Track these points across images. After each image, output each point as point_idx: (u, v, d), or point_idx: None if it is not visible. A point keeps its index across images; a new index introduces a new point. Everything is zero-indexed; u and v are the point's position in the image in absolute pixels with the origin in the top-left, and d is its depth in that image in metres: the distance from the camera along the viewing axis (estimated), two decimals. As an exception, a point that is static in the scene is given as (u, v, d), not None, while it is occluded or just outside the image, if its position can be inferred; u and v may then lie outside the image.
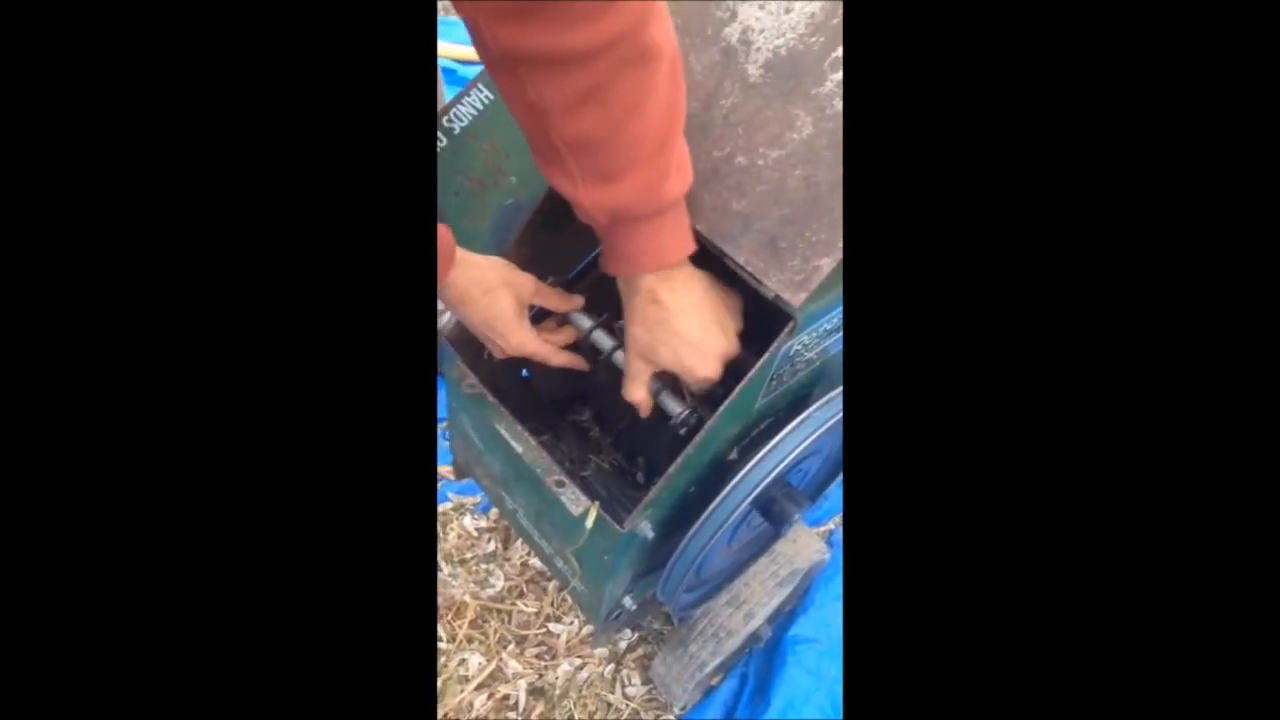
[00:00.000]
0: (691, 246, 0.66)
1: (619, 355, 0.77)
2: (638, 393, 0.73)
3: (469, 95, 0.82)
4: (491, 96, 0.84)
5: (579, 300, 0.80)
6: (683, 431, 0.75)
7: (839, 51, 0.66)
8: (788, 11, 0.69)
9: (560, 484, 0.75)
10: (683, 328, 0.67)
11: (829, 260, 0.64)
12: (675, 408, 0.75)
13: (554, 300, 0.78)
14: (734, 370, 0.71)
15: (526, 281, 0.74)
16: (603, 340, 0.78)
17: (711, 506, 0.74)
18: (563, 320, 0.81)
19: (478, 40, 0.54)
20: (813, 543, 1.15)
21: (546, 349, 0.76)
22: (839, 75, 0.66)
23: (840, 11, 0.67)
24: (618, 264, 0.66)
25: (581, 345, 0.81)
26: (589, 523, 0.74)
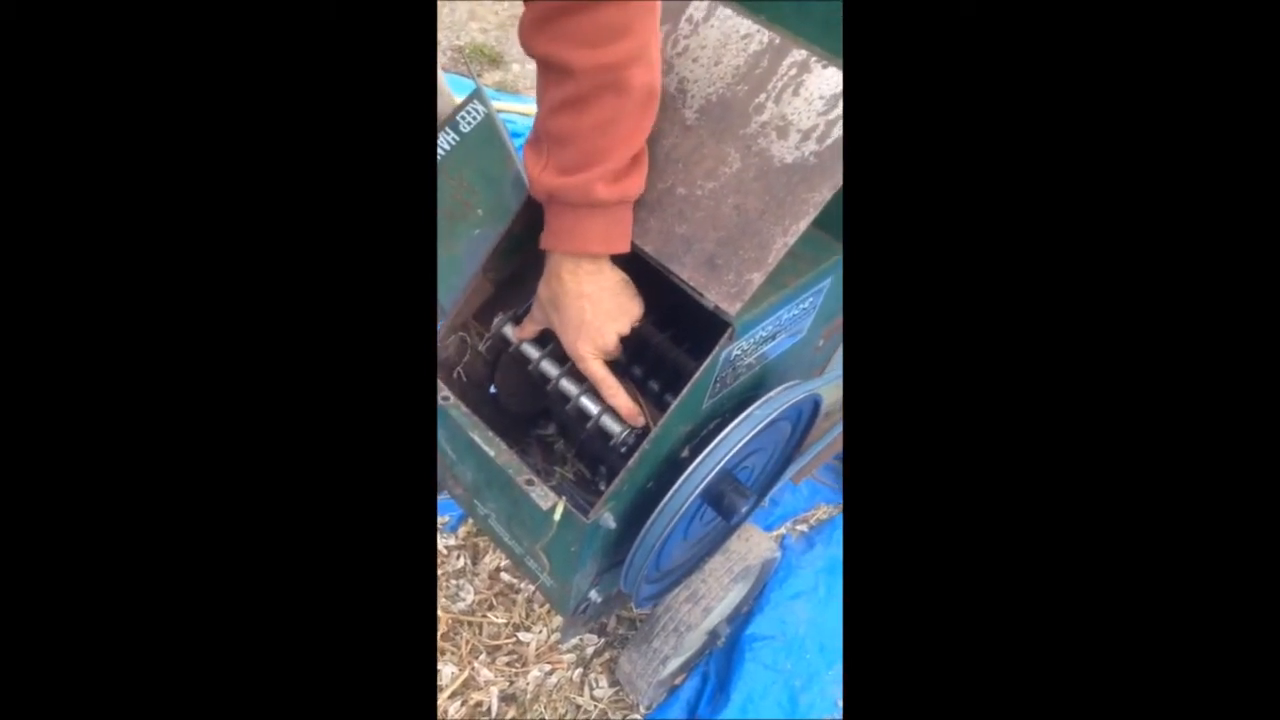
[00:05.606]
0: (614, 249, 0.77)
1: (565, 382, 0.87)
2: (526, 330, 0.88)
3: (437, 137, 0.91)
4: (456, 139, 0.93)
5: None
6: (624, 450, 0.86)
7: (761, 97, 0.77)
8: (716, 64, 0.80)
9: (530, 482, 0.83)
10: (574, 306, 0.79)
11: (759, 275, 0.74)
12: (615, 428, 0.85)
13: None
14: (681, 376, 0.81)
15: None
16: (549, 368, 0.89)
17: (666, 498, 0.83)
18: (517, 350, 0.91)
19: (521, 37, 0.70)
20: (764, 541, 1.24)
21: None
22: (762, 118, 0.77)
23: (762, 63, 0.78)
24: (548, 238, 0.78)
25: (531, 373, 0.90)
26: (556, 516, 0.82)
